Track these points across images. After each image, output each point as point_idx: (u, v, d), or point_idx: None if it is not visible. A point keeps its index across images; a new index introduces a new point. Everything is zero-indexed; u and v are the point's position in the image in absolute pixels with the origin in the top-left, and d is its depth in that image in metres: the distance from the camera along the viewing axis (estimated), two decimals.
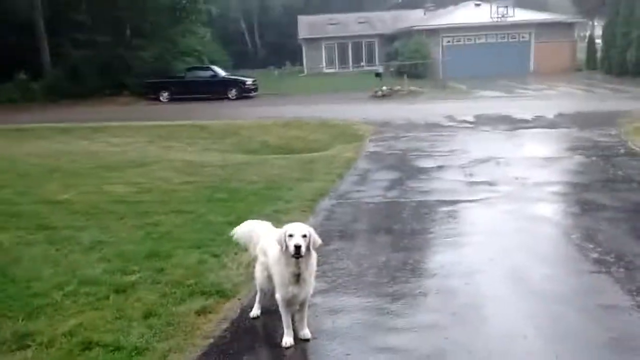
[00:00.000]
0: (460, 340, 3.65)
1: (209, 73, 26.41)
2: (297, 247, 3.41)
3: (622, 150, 9.82)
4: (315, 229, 5.81)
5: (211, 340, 3.72)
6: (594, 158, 9.22)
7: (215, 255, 5.08)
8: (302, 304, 3.67)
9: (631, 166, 8.61)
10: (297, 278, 3.52)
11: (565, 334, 3.67)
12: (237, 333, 3.82)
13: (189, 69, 27.16)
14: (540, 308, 4.07)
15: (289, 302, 3.61)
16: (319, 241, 3.62)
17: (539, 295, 4.29)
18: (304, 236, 3.47)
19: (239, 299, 4.31)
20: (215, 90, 25.00)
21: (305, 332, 3.71)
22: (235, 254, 5.09)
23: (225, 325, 3.92)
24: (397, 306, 4.17)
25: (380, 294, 4.39)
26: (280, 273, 3.56)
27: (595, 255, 5.00)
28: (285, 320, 3.65)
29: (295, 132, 14.46)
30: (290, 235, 3.46)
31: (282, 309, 3.64)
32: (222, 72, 26.84)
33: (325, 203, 7.10)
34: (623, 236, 5.51)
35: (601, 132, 11.70)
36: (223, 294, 4.32)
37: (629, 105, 15.83)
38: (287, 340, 3.63)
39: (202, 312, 4.07)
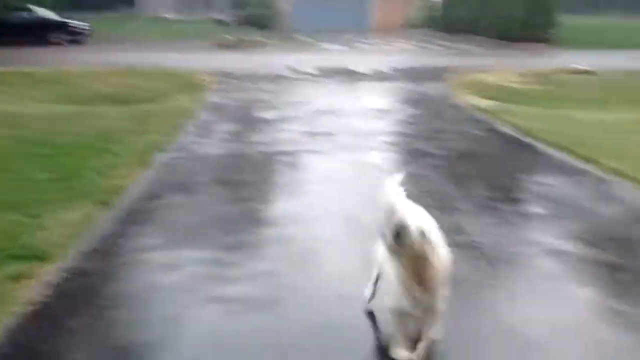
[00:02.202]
0: (296, 286, 3.75)
1: (28, 14, 23.49)
2: None
3: (448, 103, 10.69)
4: (152, 183, 5.57)
5: (30, 307, 3.39)
6: (423, 110, 9.94)
7: (34, 216, 4.61)
8: None
9: (455, 118, 9.42)
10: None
11: None
12: (59, 297, 3.52)
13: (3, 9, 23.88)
14: (371, 248, 4.30)
15: None
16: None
17: (371, 236, 4.53)
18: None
19: (60, 262, 3.96)
20: (37, 33, 22.36)
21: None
22: (55, 213, 4.66)
23: (45, 290, 3.58)
24: (235, 257, 4.16)
25: (218, 246, 4.34)
26: None
27: (419, 199, 5.39)
28: None
29: (131, 81, 13.51)
30: None
31: None
32: (46, 13, 24.04)
33: (163, 156, 6.78)
34: (444, 181, 6.03)
35: (431, 86, 12.61)
36: (42, 257, 3.93)
37: (458, 61, 17.23)
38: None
39: (18, 277, 3.68)
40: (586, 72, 14.09)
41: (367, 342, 3.10)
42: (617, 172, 6.07)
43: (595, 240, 4.41)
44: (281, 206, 5.25)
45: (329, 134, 7.99)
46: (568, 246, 4.32)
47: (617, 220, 4.98)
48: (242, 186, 5.79)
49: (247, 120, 9.04)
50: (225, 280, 3.79)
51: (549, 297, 3.62)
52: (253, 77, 13.78)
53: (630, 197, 5.51)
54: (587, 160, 6.58)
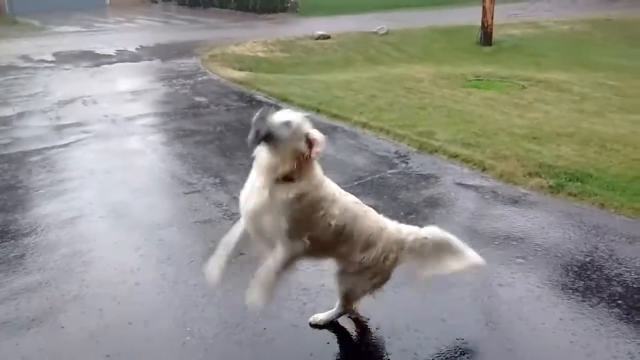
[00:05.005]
0: (69, 291, 3.48)
1: None
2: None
3: (201, 78, 10.65)
4: None
5: None
6: (177, 87, 9.76)
7: None
8: None
9: (211, 91, 9.45)
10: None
11: (170, 255, 3.89)
12: None
13: None
14: (145, 237, 4.18)
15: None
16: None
17: (142, 225, 4.40)
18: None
19: None
20: None
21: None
22: None
23: None
24: None
25: None
26: None
27: (187, 177, 5.39)
28: None
29: None
30: None
31: None
32: None
33: None
34: (210, 156, 6.08)
35: (182, 62, 12.39)
36: None
37: (206, 35, 17.13)
38: None
39: None
40: (327, 37, 15.25)
41: (151, 339, 3.05)
42: (361, 125, 6.88)
43: (347, 187, 4.90)
44: (38, 212, 4.74)
45: (80, 124, 7.36)
46: None
47: (364, 166, 5.63)
48: None
49: None
50: None
51: None
52: None
53: (372, 145, 6.27)
54: (336, 117, 7.30)
